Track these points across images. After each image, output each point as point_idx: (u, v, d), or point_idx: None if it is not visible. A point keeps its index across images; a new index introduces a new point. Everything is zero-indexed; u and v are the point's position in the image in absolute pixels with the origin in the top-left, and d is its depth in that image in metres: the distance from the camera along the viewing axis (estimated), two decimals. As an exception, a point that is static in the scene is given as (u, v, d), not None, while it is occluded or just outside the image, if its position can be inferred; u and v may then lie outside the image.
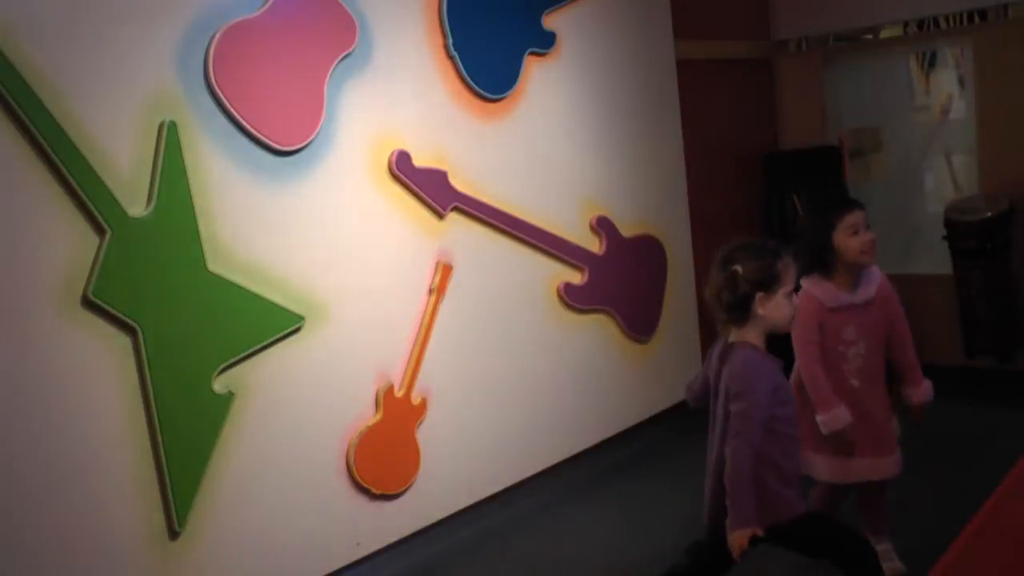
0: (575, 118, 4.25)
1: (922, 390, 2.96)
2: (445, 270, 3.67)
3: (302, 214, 3.19)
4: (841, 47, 5.61)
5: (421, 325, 3.59)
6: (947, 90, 5.70)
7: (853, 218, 2.80)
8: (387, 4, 3.45)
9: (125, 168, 2.74)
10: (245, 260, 3.03)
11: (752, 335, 2.39)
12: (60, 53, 2.61)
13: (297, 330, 3.16)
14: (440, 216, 3.65)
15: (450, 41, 3.66)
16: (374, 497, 3.41)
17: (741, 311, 2.36)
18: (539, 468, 4.08)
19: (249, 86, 3.02)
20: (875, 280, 2.89)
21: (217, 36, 2.92)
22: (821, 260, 2.83)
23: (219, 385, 2.96)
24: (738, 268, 2.35)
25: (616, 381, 4.48)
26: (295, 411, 3.17)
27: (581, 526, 3.80)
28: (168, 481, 2.83)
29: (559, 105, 4.16)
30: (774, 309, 2.36)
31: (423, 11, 3.59)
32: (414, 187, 3.54)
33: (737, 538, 2.25)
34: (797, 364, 2.85)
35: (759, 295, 2.35)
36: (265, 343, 3.07)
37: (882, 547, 2.93)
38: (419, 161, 3.55)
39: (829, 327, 2.81)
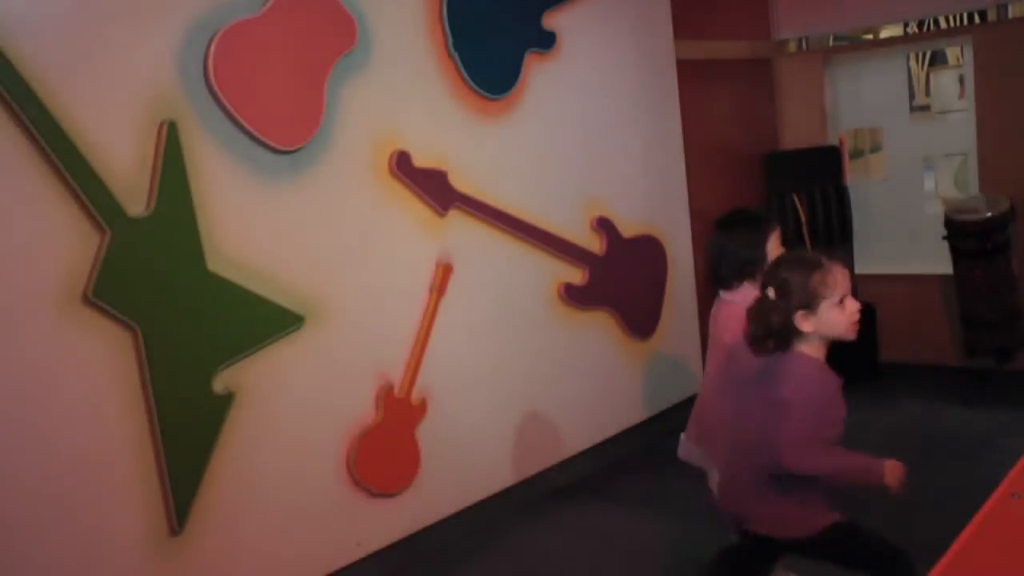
0: (575, 118, 4.25)
1: None
2: (445, 270, 3.67)
3: (302, 214, 3.19)
4: (841, 47, 5.61)
5: (421, 325, 3.59)
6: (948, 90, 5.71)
7: (779, 230, 2.87)
8: (387, 4, 3.45)
9: (125, 168, 2.74)
10: (245, 260, 3.03)
11: (808, 348, 2.30)
12: (60, 53, 2.60)
13: (297, 330, 3.16)
14: (440, 216, 3.65)
15: (450, 41, 3.66)
16: (374, 497, 3.41)
17: (783, 337, 2.28)
18: (539, 467, 4.08)
19: (249, 86, 3.01)
20: None
21: (217, 36, 2.92)
22: (751, 272, 2.78)
23: (219, 385, 2.96)
24: (769, 291, 2.28)
25: (616, 381, 4.48)
26: (295, 411, 3.17)
27: (581, 525, 3.80)
28: (168, 481, 2.83)
29: (559, 105, 4.16)
30: (823, 323, 2.26)
31: (423, 11, 3.59)
32: (414, 187, 3.54)
33: (889, 477, 2.18)
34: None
35: (799, 314, 2.26)
36: (265, 343, 3.07)
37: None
38: (419, 161, 3.55)
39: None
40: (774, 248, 2.84)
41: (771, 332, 2.26)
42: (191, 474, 2.89)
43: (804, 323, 2.26)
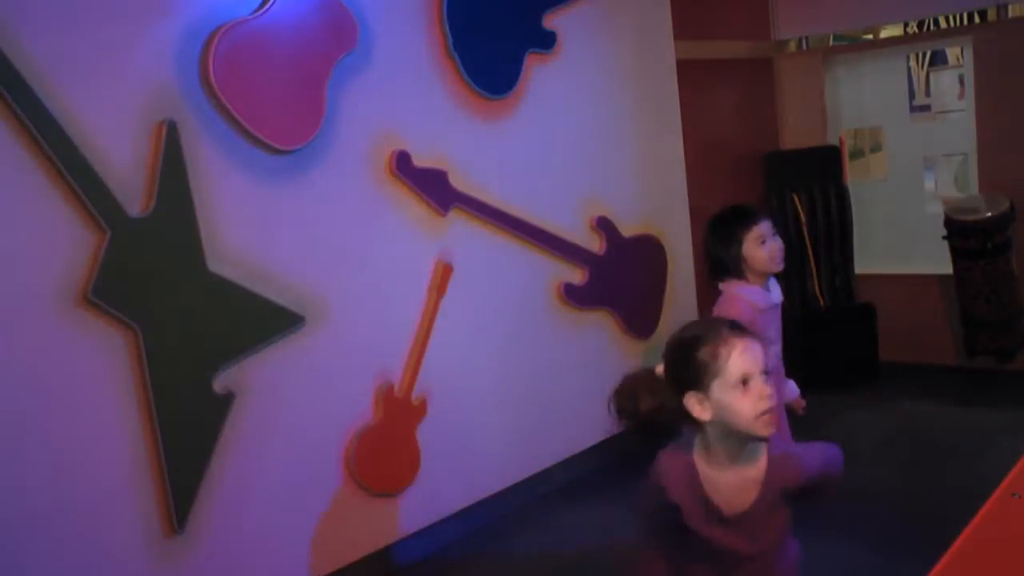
0: (575, 118, 4.25)
1: (787, 389, 2.99)
2: (445, 270, 3.67)
3: (302, 214, 3.19)
4: (841, 47, 5.60)
5: (421, 325, 3.59)
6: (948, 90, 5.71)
7: (760, 229, 2.88)
8: (388, 4, 3.45)
9: (125, 168, 2.74)
10: (245, 260, 3.03)
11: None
12: (60, 52, 2.60)
13: (297, 330, 3.16)
14: (440, 216, 3.65)
15: (450, 41, 3.66)
16: (374, 497, 3.41)
17: (669, 427, 1.85)
18: (539, 467, 4.08)
19: (249, 86, 3.01)
20: (775, 282, 2.97)
21: (217, 36, 2.92)
22: (728, 269, 2.89)
23: (219, 385, 2.96)
24: (658, 368, 1.84)
25: (616, 380, 4.46)
26: (295, 411, 3.17)
27: (581, 525, 3.80)
28: (168, 481, 2.83)
29: (559, 105, 4.16)
30: (719, 409, 1.76)
31: (423, 11, 3.59)
32: (414, 187, 3.54)
33: None
34: None
35: (689, 396, 1.79)
36: (265, 343, 3.07)
37: None
38: (419, 161, 3.55)
39: (757, 328, 2.83)
40: (753, 245, 2.87)
41: (654, 421, 1.83)
42: (191, 474, 2.89)
43: (697, 408, 1.77)
